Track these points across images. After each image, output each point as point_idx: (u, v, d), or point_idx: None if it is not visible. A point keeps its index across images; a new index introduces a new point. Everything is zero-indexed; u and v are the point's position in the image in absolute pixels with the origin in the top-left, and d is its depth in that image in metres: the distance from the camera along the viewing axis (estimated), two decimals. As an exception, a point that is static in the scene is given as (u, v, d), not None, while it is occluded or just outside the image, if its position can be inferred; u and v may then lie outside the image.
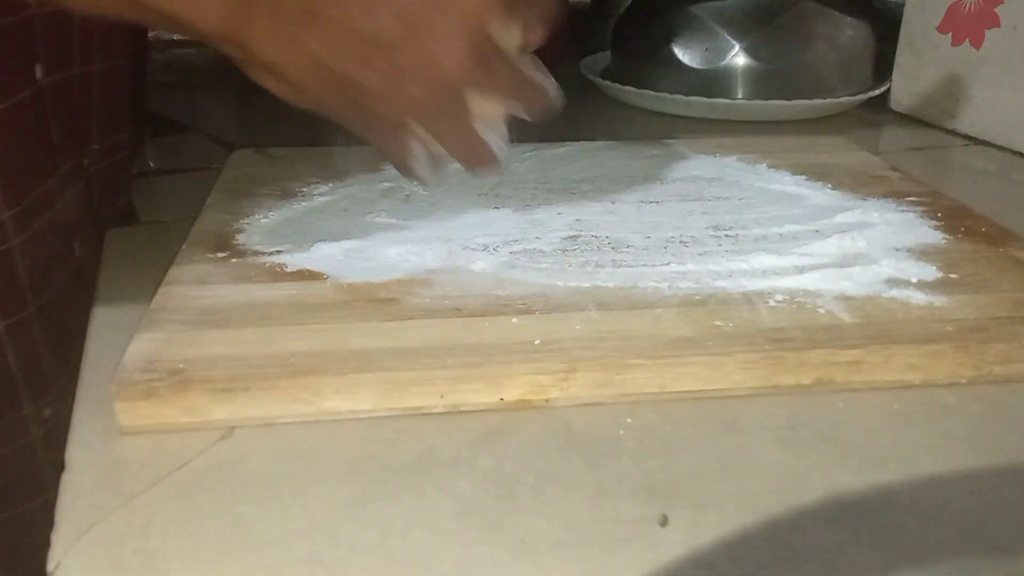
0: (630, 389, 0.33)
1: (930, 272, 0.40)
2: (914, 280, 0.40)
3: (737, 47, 0.73)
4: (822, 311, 0.37)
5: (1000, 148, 0.66)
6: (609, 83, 0.77)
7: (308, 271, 0.40)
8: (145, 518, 0.27)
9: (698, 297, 0.38)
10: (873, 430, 0.32)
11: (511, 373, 0.32)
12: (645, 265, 0.41)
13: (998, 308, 0.37)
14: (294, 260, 0.40)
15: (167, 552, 0.26)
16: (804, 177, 0.53)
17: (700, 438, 0.31)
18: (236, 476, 0.29)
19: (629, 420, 0.32)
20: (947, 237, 0.45)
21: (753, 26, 0.73)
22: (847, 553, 0.26)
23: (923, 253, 0.43)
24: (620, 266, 0.41)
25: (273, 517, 0.27)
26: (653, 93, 0.74)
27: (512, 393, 0.32)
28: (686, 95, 0.72)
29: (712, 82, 0.73)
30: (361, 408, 0.32)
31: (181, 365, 0.32)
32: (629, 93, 0.76)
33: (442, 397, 0.32)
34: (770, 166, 0.55)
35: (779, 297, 0.38)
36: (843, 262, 0.41)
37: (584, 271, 0.40)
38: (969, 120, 0.69)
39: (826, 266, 0.41)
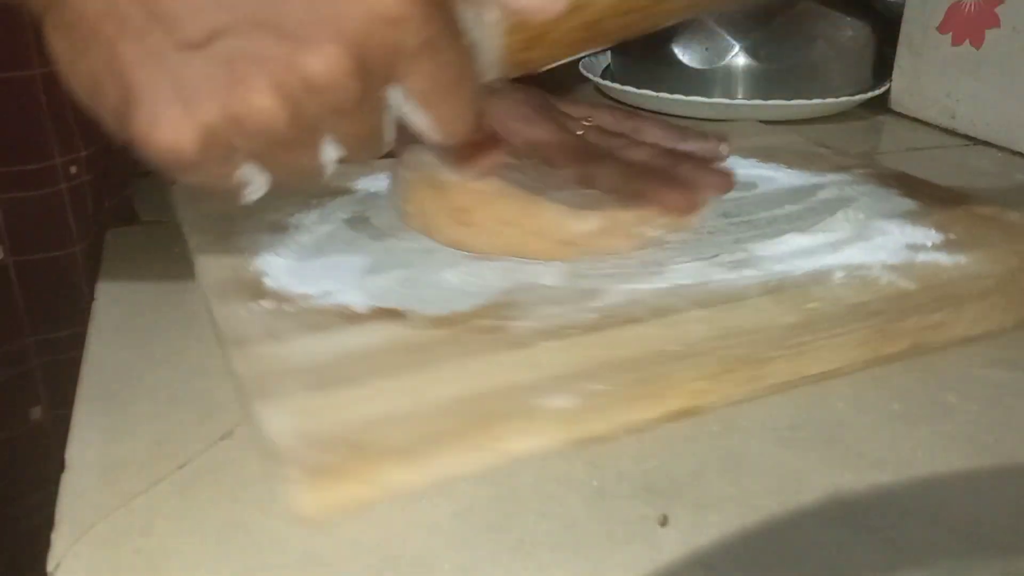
0: (770, 381, 0.34)
1: (932, 235, 0.43)
2: (929, 244, 0.42)
3: (737, 47, 0.73)
4: (884, 281, 0.38)
5: (1000, 148, 0.66)
6: (609, 83, 0.77)
7: (380, 309, 0.36)
8: (145, 518, 0.27)
9: (773, 283, 0.38)
10: (873, 430, 0.32)
11: (675, 383, 0.32)
12: (698, 259, 0.40)
13: (1010, 260, 0.40)
14: (352, 298, 0.36)
15: (167, 552, 0.26)
16: (756, 160, 0.55)
17: (700, 438, 0.31)
18: (236, 476, 0.29)
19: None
20: (916, 202, 0.47)
21: (753, 26, 0.73)
22: (847, 553, 0.26)
23: (912, 218, 0.45)
24: (676, 263, 0.40)
25: (273, 517, 0.27)
26: (653, 93, 0.74)
27: (675, 404, 0.32)
28: (686, 95, 0.72)
29: (712, 82, 0.73)
30: (541, 447, 0.30)
31: (349, 435, 0.28)
32: (629, 93, 0.75)
33: (611, 420, 0.31)
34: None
35: (840, 274, 0.39)
36: (863, 234, 0.43)
37: (648, 272, 0.39)
38: (969, 120, 0.69)
39: (852, 240, 0.43)
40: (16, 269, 0.49)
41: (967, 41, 0.68)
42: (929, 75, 0.72)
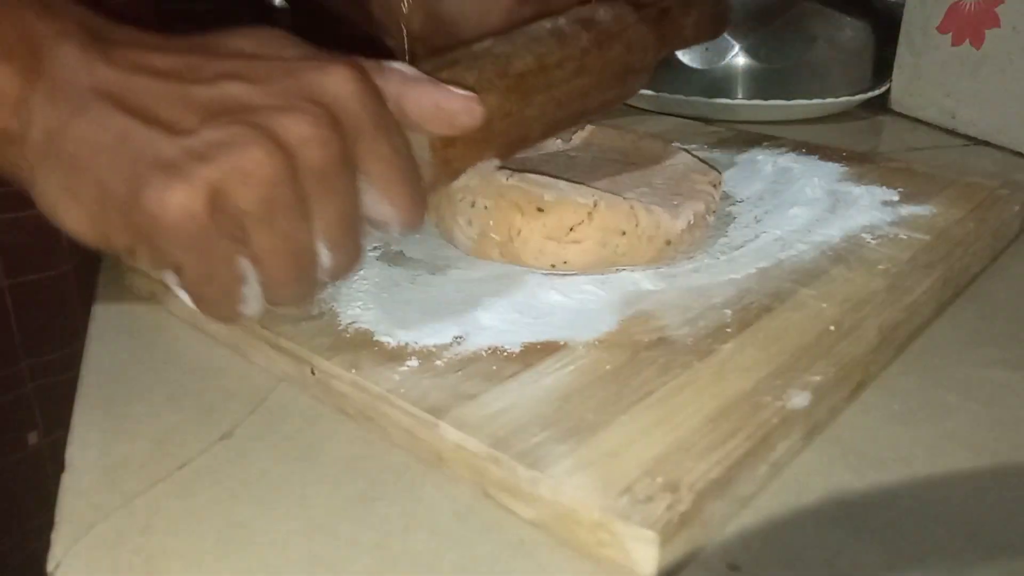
0: (909, 343, 0.37)
1: (893, 193, 0.48)
2: (895, 199, 0.48)
3: (737, 47, 0.73)
4: (904, 237, 0.43)
5: (1000, 148, 0.66)
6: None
7: (533, 345, 0.33)
8: (145, 518, 0.27)
9: (829, 253, 0.41)
10: (873, 430, 0.32)
11: (857, 361, 0.33)
12: (747, 242, 0.43)
13: (964, 202, 0.47)
14: (487, 339, 0.34)
15: (167, 552, 0.26)
16: (694, 146, 0.58)
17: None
18: (236, 476, 0.29)
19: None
20: (849, 167, 0.53)
21: (753, 26, 0.73)
22: (847, 553, 0.26)
23: (857, 180, 0.50)
24: (734, 248, 0.42)
25: (273, 517, 0.27)
26: (653, 93, 0.74)
27: (855, 380, 0.33)
28: (686, 95, 0.72)
29: (712, 82, 0.73)
30: (797, 449, 0.30)
31: (660, 479, 0.26)
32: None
33: (833, 408, 0.32)
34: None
35: (868, 236, 0.43)
36: (842, 200, 0.48)
37: (723, 261, 0.41)
38: (969, 120, 0.69)
39: (836, 206, 0.47)
40: (11, 292, 0.49)
41: (967, 41, 0.68)
42: (929, 75, 0.72)
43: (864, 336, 0.34)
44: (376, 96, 0.28)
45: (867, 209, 0.46)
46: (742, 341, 0.34)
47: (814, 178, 0.51)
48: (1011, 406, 0.33)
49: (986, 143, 0.67)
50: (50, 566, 0.25)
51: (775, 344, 0.33)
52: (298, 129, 0.26)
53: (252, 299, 0.28)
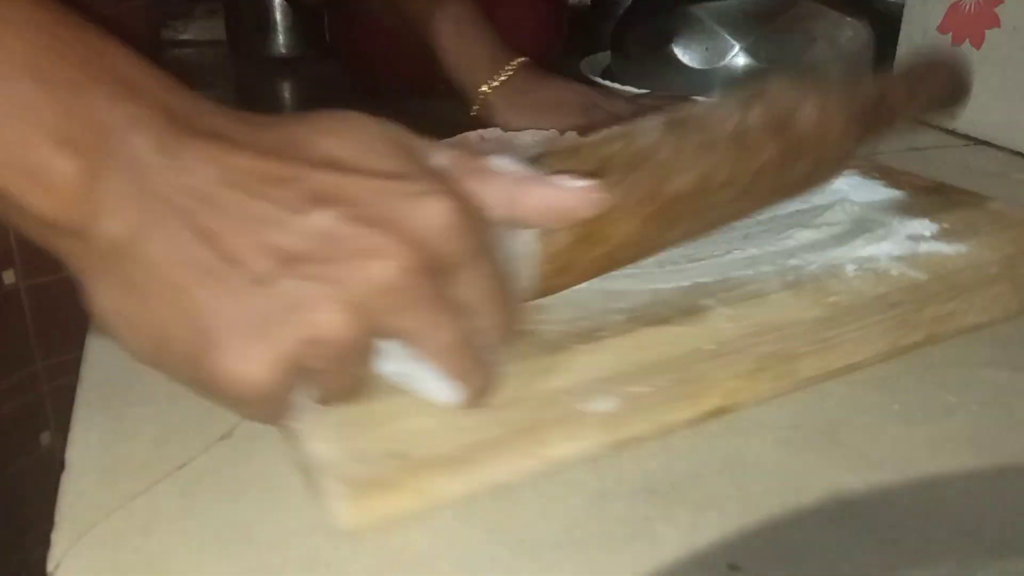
0: (799, 377, 0.34)
1: (928, 225, 0.43)
2: (927, 234, 0.42)
3: (737, 47, 0.73)
4: (895, 273, 0.38)
5: (1000, 148, 0.66)
6: (609, 83, 0.77)
7: None
8: (145, 518, 0.27)
9: (790, 278, 0.38)
10: (873, 430, 0.32)
11: (712, 383, 0.32)
12: (712, 256, 0.41)
13: (1007, 247, 0.41)
14: None
15: (167, 552, 0.26)
16: None
17: (700, 438, 0.31)
18: (236, 476, 0.29)
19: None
20: (902, 192, 0.47)
21: (753, 26, 0.73)
22: (847, 553, 0.26)
23: (904, 209, 0.45)
24: (692, 260, 0.40)
25: (273, 517, 0.27)
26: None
27: (711, 403, 0.32)
28: (686, 95, 0.72)
29: (712, 82, 0.73)
30: (584, 451, 0.30)
31: (395, 447, 0.28)
32: (629, 93, 0.75)
33: (651, 422, 0.31)
34: None
35: (851, 267, 0.39)
36: (863, 227, 0.43)
37: (667, 271, 0.39)
38: (969, 120, 0.69)
39: (854, 233, 0.43)
40: (27, 294, 0.49)
41: (967, 41, 0.68)
42: (929, 75, 0.72)
43: (737, 362, 0.32)
44: (473, 229, 0.26)
45: (882, 240, 0.42)
46: (602, 345, 0.33)
47: (853, 202, 0.46)
48: (1011, 406, 0.33)
49: (986, 143, 0.67)
50: (50, 566, 0.25)
51: (635, 353, 0.32)
52: (381, 276, 0.24)
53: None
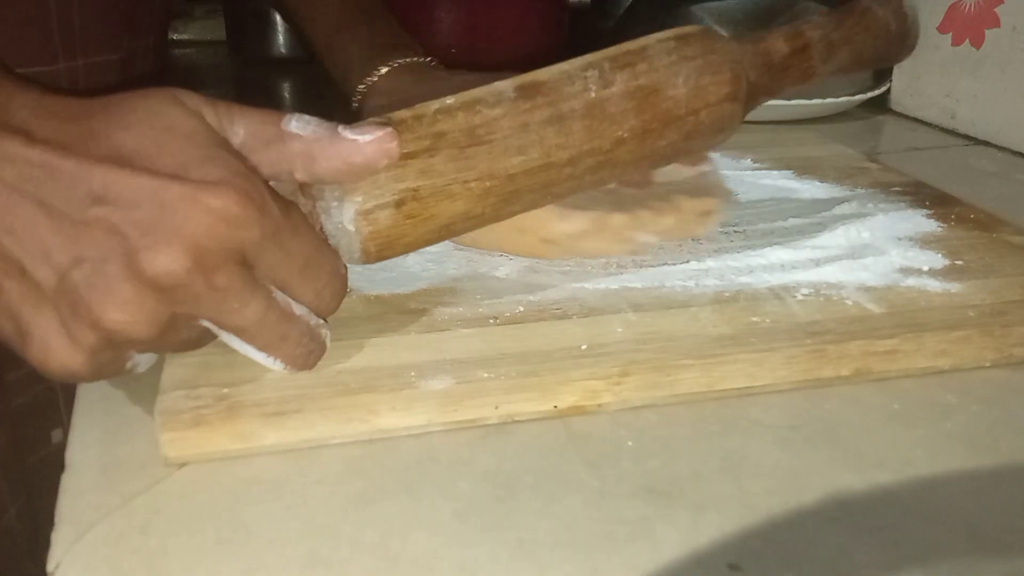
0: (679, 390, 0.33)
1: (937, 260, 0.41)
2: (925, 268, 0.41)
3: (737, 47, 0.73)
4: (849, 303, 0.37)
5: (1000, 148, 0.66)
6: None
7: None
8: (145, 518, 0.27)
9: (727, 294, 0.38)
10: (873, 430, 0.32)
11: (565, 380, 0.32)
12: (665, 264, 0.41)
13: (1010, 292, 0.38)
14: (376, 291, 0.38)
15: (167, 552, 0.26)
16: (791, 172, 0.54)
17: (700, 438, 0.31)
18: (236, 476, 0.29)
19: (629, 420, 0.32)
20: (942, 225, 0.46)
21: (753, 26, 0.73)
22: (847, 553, 0.26)
23: (925, 241, 0.44)
24: (642, 266, 0.40)
25: (273, 517, 0.27)
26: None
27: (566, 400, 0.32)
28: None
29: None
30: (415, 424, 0.31)
31: (225, 390, 0.30)
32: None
33: (496, 408, 0.31)
34: (754, 161, 0.56)
35: (805, 291, 0.38)
36: (855, 253, 0.42)
37: (608, 273, 0.40)
38: (969, 120, 0.69)
39: (840, 258, 0.41)
40: None
41: (967, 41, 0.68)
42: (929, 75, 0.72)
43: (603, 364, 0.32)
44: (260, 213, 0.27)
45: (863, 270, 0.40)
46: (481, 332, 0.34)
47: (863, 227, 0.44)
48: (1011, 406, 0.33)
49: (986, 143, 0.67)
50: (50, 566, 0.25)
51: (503, 342, 0.34)
52: (155, 274, 0.26)
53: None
